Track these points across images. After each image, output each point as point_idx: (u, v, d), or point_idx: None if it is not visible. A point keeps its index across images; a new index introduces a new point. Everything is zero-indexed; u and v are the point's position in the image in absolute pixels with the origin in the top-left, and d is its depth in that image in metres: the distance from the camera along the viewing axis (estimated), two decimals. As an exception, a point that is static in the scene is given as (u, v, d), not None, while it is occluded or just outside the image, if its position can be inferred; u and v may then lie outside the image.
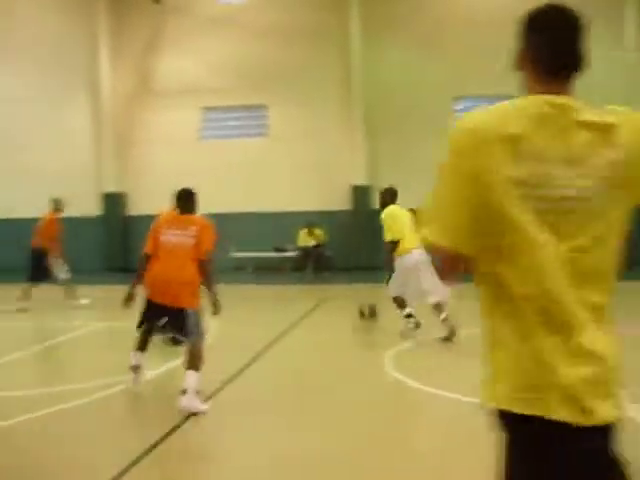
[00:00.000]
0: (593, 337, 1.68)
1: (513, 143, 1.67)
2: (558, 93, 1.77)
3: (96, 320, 10.39)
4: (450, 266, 1.81)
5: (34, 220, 11.49)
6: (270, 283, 15.56)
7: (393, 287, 8.12)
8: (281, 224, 17.61)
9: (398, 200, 8.18)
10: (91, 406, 5.43)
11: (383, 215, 7.99)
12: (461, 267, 1.81)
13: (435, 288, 7.45)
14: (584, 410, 1.64)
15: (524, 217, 1.67)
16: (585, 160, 1.70)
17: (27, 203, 16.55)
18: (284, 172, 17.83)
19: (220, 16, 18.28)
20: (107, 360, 7.10)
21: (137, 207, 18.43)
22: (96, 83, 18.67)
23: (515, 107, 1.75)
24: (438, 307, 7.74)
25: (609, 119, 1.74)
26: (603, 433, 1.68)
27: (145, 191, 17.96)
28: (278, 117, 18.29)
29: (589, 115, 1.72)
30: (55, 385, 6.31)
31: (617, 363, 1.73)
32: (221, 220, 19.07)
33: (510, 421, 1.71)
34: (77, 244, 15.18)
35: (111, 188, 18.62)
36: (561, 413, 1.63)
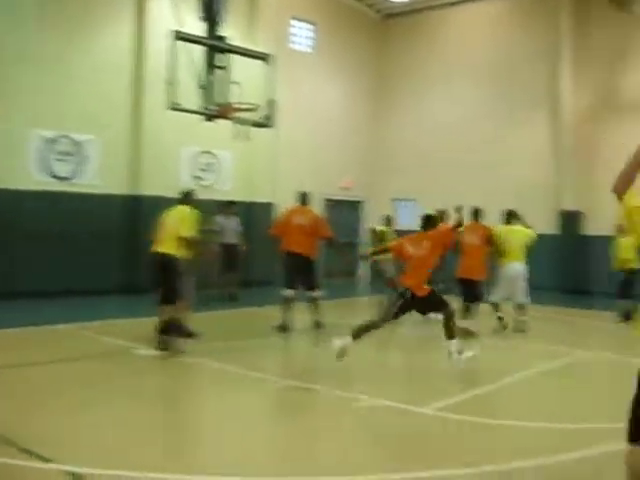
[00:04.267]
0: None
1: None
2: None
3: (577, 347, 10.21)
4: None
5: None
6: None
7: None
8: None
9: None
10: None
11: None
12: None
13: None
14: None
15: None
16: None
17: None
18: None
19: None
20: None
21: (593, 227, 17.87)
22: (556, 98, 18.72)
23: None
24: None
25: None
26: None
27: (602, 211, 17.15)
28: None
29: None
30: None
31: None
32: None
33: None
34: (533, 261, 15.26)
35: (568, 206, 18.43)
36: None
